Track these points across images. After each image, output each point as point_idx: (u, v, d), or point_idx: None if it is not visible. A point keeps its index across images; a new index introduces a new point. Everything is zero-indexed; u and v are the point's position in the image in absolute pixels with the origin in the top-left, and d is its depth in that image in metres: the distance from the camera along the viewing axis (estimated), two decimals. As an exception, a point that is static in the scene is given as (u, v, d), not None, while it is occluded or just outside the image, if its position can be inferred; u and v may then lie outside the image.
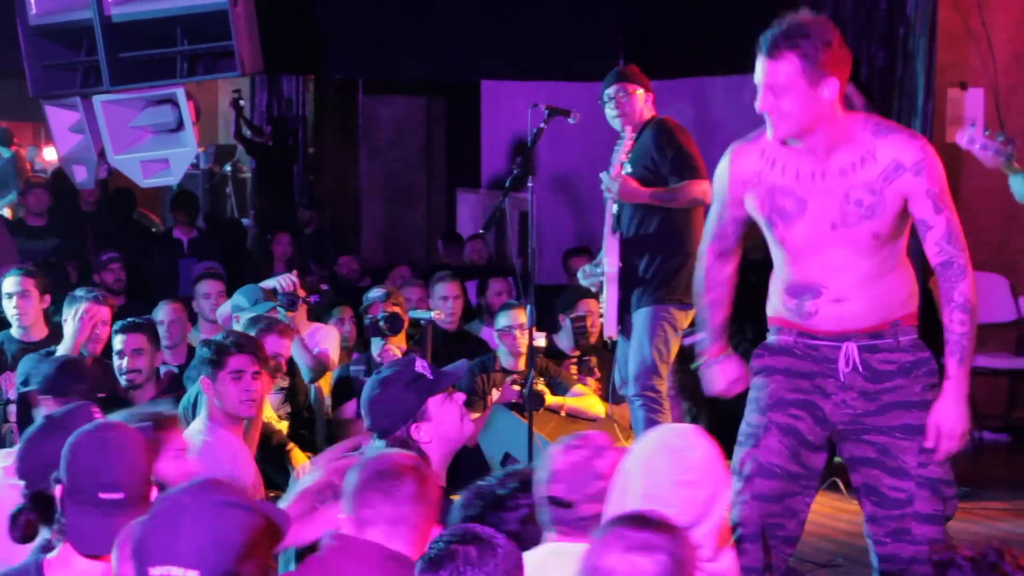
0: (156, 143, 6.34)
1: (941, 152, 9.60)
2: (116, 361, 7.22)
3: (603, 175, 7.28)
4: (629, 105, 7.35)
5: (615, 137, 7.50)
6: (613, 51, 11.92)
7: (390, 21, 11.92)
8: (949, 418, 4.71)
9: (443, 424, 4.50)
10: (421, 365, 4.55)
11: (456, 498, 4.05)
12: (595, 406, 7.94)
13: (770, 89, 4.52)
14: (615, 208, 7.36)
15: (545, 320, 8.73)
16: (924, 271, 9.26)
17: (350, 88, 15.78)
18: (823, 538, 7.12)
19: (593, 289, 7.54)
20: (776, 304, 4.88)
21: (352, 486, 3.63)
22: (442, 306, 8.68)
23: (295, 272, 8.03)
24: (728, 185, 4.83)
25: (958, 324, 4.68)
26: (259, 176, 16.10)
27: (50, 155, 14.49)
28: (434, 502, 3.68)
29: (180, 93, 6.17)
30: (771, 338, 4.90)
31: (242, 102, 15.50)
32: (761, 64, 4.54)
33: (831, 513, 7.57)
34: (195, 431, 5.65)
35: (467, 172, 15.60)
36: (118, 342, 7.20)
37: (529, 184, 7.24)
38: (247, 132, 15.63)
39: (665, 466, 3.53)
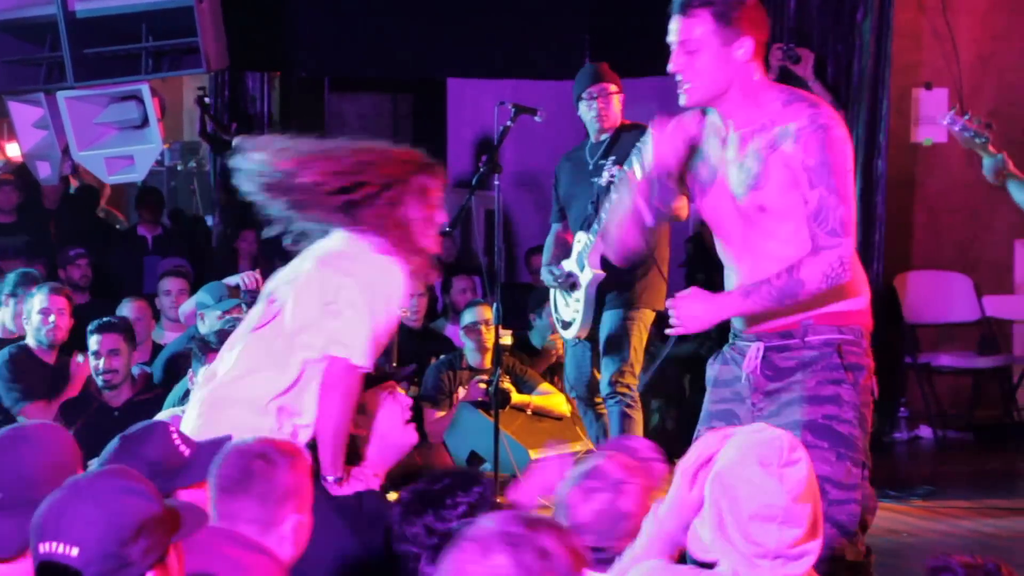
0: (121, 139, 6.32)
1: (905, 152, 9.71)
2: (92, 361, 7.20)
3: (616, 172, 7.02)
4: (610, 107, 7.33)
5: (581, 134, 7.49)
6: (579, 49, 11.92)
7: (355, 19, 11.90)
8: (699, 306, 4.42)
9: (381, 420, 4.50)
10: None
11: (394, 497, 4.03)
12: (560, 405, 7.95)
13: (683, 47, 4.37)
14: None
15: (512, 318, 8.74)
16: (885, 269, 9.33)
17: (316, 86, 15.73)
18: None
19: (558, 289, 7.46)
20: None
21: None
22: (406, 304, 8.67)
23: (258, 270, 7.99)
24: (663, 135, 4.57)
25: (775, 278, 4.32)
26: (223, 173, 16.04)
27: (13, 151, 14.41)
28: (293, 491, 3.57)
29: (145, 89, 6.14)
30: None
31: (207, 100, 15.44)
32: (675, 23, 4.40)
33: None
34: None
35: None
36: (93, 342, 7.17)
37: (495, 182, 7.23)
38: (211, 129, 15.56)
39: (775, 485, 3.19)
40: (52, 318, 7.51)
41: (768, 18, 4.49)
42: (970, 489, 7.76)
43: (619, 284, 7.24)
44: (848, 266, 4.33)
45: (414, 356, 8.02)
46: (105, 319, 7.27)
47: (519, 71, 12.35)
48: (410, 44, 12.06)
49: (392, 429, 4.54)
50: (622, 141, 7.20)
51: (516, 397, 7.70)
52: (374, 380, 4.54)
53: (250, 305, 7.36)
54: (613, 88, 7.35)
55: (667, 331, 4.55)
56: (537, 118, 7.42)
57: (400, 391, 4.64)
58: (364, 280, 4.54)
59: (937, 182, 9.68)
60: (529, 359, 8.32)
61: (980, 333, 9.86)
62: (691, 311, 4.41)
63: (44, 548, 2.68)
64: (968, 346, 9.87)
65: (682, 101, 4.45)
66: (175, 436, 3.83)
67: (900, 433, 9.54)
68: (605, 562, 3.48)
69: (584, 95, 7.32)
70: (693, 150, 4.52)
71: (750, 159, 4.38)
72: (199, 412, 4.61)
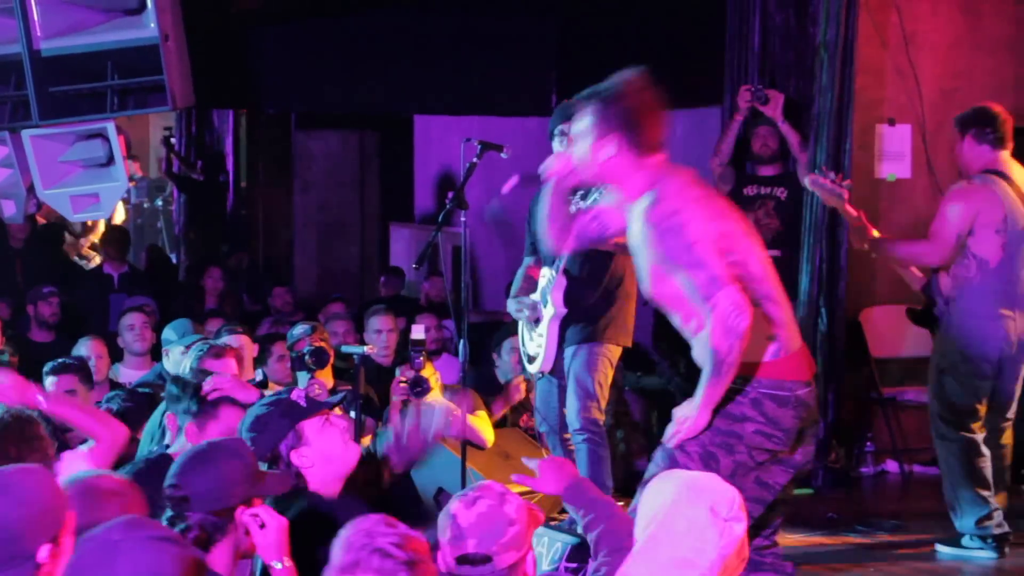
0: (86, 177, 6.30)
1: (868, 186, 9.76)
2: None
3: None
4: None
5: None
6: (546, 87, 11.99)
7: (322, 56, 11.93)
8: (683, 410, 5.05)
9: (323, 447, 4.61)
10: (296, 394, 4.70)
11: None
12: (487, 433, 7.89)
13: (570, 139, 5.12)
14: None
15: (480, 353, 8.74)
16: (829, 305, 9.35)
17: (282, 123, 15.77)
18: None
19: (524, 322, 7.48)
20: None
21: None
22: (376, 339, 8.66)
23: (238, 330, 7.98)
24: None
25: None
26: (190, 211, 16.04)
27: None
28: None
29: (110, 127, 6.13)
30: None
31: (173, 140, 15.45)
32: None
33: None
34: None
35: (400, 206, 15.61)
36: (49, 384, 7.14)
37: (462, 219, 7.24)
38: (176, 168, 15.57)
39: (714, 535, 3.35)
40: None
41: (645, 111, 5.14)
42: (936, 524, 7.76)
43: (585, 319, 7.24)
44: (739, 308, 4.84)
45: (384, 393, 8.02)
46: (60, 360, 7.24)
47: (485, 108, 12.41)
48: (377, 81, 12.09)
49: (334, 451, 4.65)
50: None
51: (438, 396, 7.65)
52: (307, 411, 4.66)
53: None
54: None
55: (666, 439, 5.09)
56: (503, 154, 7.43)
57: (336, 413, 4.78)
58: None
59: (901, 217, 9.73)
60: (486, 393, 8.29)
61: (945, 367, 9.89)
62: (687, 422, 5.02)
63: None
64: (933, 381, 9.91)
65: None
66: None
67: (867, 468, 9.55)
68: None
69: (556, 132, 7.35)
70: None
71: (639, 254, 5.10)
72: None
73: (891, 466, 9.59)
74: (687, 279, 4.91)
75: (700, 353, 5.02)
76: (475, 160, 7.29)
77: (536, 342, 7.35)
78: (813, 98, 9.22)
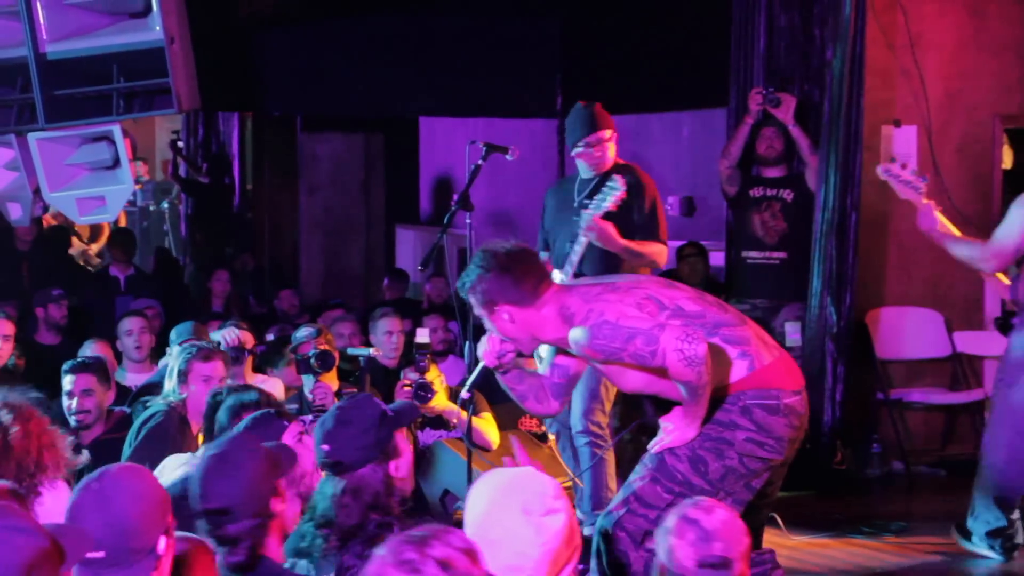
0: (92, 180, 6.30)
1: (875, 188, 9.75)
2: (65, 401, 7.18)
3: (585, 214, 7.25)
4: (605, 154, 7.43)
5: (553, 173, 7.51)
6: (551, 88, 11.99)
7: (328, 58, 11.93)
8: (671, 419, 5.28)
9: (407, 458, 4.64)
10: (380, 402, 4.69)
11: None
12: (491, 435, 7.88)
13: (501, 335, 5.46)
14: (579, 249, 7.31)
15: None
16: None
17: (288, 125, 15.78)
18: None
19: None
20: None
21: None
22: (384, 342, 8.65)
23: (241, 324, 7.98)
24: None
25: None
26: (196, 213, 16.05)
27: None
28: None
29: (116, 130, 6.13)
30: None
31: (180, 144, 15.46)
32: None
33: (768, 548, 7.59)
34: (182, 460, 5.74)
35: (405, 208, 15.62)
36: (67, 382, 7.16)
37: (467, 220, 7.24)
38: (183, 172, 15.59)
39: (532, 534, 3.34)
40: None
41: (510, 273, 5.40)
42: (942, 525, 7.76)
43: None
44: (685, 336, 5.07)
45: (389, 395, 8.02)
46: (79, 359, 7.26)
47: (490, 110, 12.41)
48: (382, 83, 12.10)
49: (409, 461, 4.68)
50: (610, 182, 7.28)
51: (442, 400, 7.66)
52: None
53: (231, 363, 7.33)
54: (608, 135, 7.42)
55: (651, 446, 5.32)
56: (508, 156, 7.44)
57: (306, 436, 4.85)
58: None
59: (907, 219, 9.72)
60: (492, 395, 8.28)
61: (951, 369, 9.90)
62: (677, 430, 5.24)
63: None
64: (939, 382, 9.91)
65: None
66: None
67: (873, 469, 9.54)
68: None
69: (580, 144, 7.38)
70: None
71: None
72: None
73: (897, 467, 9.58)
74: (634, 356, 5.14)
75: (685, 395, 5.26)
76: (480, 162, 7.30)
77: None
78: (820, 100, 9.22)
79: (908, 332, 9.79)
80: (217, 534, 3.91)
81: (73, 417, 7.13)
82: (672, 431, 5.24)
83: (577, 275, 7.28)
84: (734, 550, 3.78)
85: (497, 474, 3.53)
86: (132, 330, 8.68)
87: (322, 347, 7.73)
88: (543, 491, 3.33)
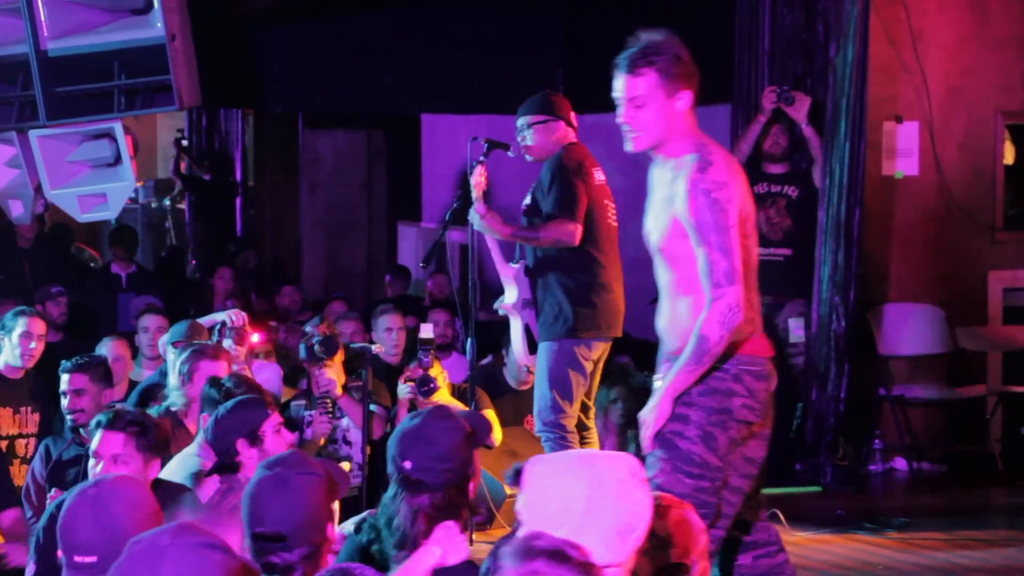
0: (94, 178, 6.30)
1: (877, 184, 9.74)
2: (62, 400, 7.20)
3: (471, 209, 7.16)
4: (533, 138, 7.31)
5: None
6: (553, 84, 11.96)
7: (329, 55, 11.92)
8: (646, 410, 5.06)
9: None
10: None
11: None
12: (496, 432, 7.84)
13: (632, 102, 4.99)
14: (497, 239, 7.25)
15: (489, 353, 8.72)
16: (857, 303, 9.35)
17: (290, 122, 15.77)
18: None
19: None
20: None
21: None
22: (386, 338, 8.65)
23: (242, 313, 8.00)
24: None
25: (687, 347, 4.97)
26: (198, 210, 16.05)
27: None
28: None
29: (118, 127, 6.13)
30: None
31: (184, 142, 15.47)
32: (621, 81, 5.02)
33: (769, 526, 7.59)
34: (189, 454, 5.85)
35: (407, 205, 15.61)
36: (63, 381, 7.18)
37: (469, 218, 7.23)
38: (186, 169, 15.60)
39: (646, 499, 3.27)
40: (32, 344, 7.72)
41: (697, 69, 5.07)
42: (945, 521, 7.77)
43: (545, 314, 7.13)
44: (738, 308, 4.89)
45: (392, 391, 8.02)
46: (76, 359, 7.25)
47: (493, 106, 12.39)
48: (384, 80, 12.09)
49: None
50: (542, 169, 7.22)
51: (445, 396, 7.63)
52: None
53: (235, 341, 7.33)
54: (521, 122, 7.33)
55: (644, 445, 5.08)
56: (510, 153, 7.44)
57: (283, 430, 5.18)
58: None
59: (909, 215, 9.73)
60: (494, 391, 8.26)
61: (954, 365, 9.89)
62: (644, 421, 5.04)
63: None
64: (942, 378, 9.90)
65: (628, 148, 5.06)
66: None
67: (875, 465, 9.55)
68: None
69: (528, 124, 7.33)
70: None
71: (659, 205, 5.04)
72: None
73: (899, 463, 9.58)
74: (707, 258, 4.89)
75: (672, 322, 5.07)
76: (482, 158, 7.29)
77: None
78: (823, 97, 9.22)
79: (910, 328, 9.78)
80: (268, 561, 3.63)
81: (69, 416, 7.17)
82: (647, 420, 5.02)
83: (520, 261, 7.27)
84: (692, 551, 3.67)
85: (566, 460, 3.38)
86: (148, 327, 8.69)
87: (325, 333, 7.73)
88: (631, 461, 3.30)
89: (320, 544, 3.70)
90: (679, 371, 4.97)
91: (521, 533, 2.82)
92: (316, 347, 7.59)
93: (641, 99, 4.97)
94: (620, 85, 5.02)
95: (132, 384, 8.27)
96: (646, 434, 5.05)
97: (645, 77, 4.97)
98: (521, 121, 7.34)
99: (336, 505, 3.94)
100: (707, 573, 3.83)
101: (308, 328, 8.27)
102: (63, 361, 7.29)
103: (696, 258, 4.92)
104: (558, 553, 2.72)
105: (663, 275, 5.09)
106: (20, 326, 7.73)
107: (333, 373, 7.66)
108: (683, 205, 4.91)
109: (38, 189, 6.38)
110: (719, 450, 5.04)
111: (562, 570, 2.71)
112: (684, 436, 5.03)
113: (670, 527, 3.75)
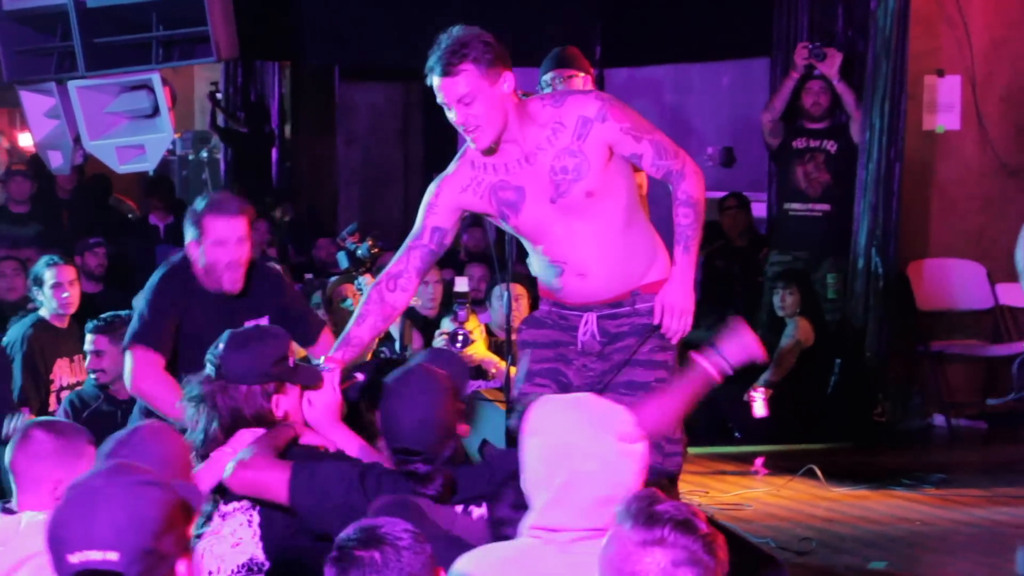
0: (132, 129, 6.32)
1: (917, 139, 9.68)
2: (86, 359, 7.25)
3: None
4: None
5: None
6: (590, 38, 11.90)
7: (366, 7, 11.89)
8: (672, 296, 4.98)
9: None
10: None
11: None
12: None
13: (460, 102, 4.89)
14: None
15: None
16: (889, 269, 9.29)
17: (326, 74, 15.74)
18: (799, 524, 7.14)
19: None
20: (539, 276, 5.22)
21: None
22: (422, 291, 8.64)
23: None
24: (436, 200, 5.19)
25: (682, 217, 4.95)
26: (235, 163, 16.05)
27: (25, 141, 14.43)
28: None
29: (156, 79, 6.14)
30: (536, 311, 5.28)
31: (219, 95, 15.45)
32: (439, 84, 4.93)
33: (809, 500, 7.59)
34: None
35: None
36: (87, 341, 7.22)
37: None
38: (221, 122, 15.59)
39: (630, 465, 3.22)
40: (65, 293, 7.77)
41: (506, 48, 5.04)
42: (982, 477, 7.74)
43: None
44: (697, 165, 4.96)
45: (427, 344, 8.03)
46: (98, 320, 7.25)
47: (529, 59, 12.31)
48: (420, 32, 11.99)
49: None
50: None
51: (481, 349, 7.64)
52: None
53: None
54: (568, 73, 7.28)
55: (670, 335, 5.00)
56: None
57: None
58: None
59: (950, 170, 9.65)
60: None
61: (993, 321, 9.83)
62: (675, 307, 4.95)
63: (76, 559, 2.63)
64: (981, 334, 9.85)
65: (476, 148, 4.96)
66: None
67: (913, 421, 9.52)
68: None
69: (541, 84, 7.31)
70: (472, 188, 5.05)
71: (561, 158, 4.88)
72: None
73: (937, 420, 9.55)
74: (653, 141, 4.90)
75: (630, 256, 5.00)
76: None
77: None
78: (864, 50, 9.15)
79: (950, 284, 9.72)
80: (407, 470, 3.99)
81: (91, 375, 7.23)
82: (673, 311, 4.96)
83: None
84: None
85: (573, 402, 3.35)
86: None
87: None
88: (627, 418, 3.25)
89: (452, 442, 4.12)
90: (692, 247, 4.97)
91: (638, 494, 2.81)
92: (360, 253, 7.48)
93: (468, 96, 4.88)
94: (442, 90, 4.94)
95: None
96: (682, 323, 4.98)
97: (464, 74, 4.90)
98: (550, 75, 7.32)
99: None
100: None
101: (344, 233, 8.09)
102: (88, 321, 7.32)
103: (641, 155, 4.90)
104: (685, 523, 2.71)
105: (596, 222, 4.95)
106: (50, 278, 7.77)
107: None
108: (605, 122, 4.86)
109: (77, 140, 6.40)
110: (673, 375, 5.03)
111: (687, 540, 2.69)
112: (667, 366, 5.04)
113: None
